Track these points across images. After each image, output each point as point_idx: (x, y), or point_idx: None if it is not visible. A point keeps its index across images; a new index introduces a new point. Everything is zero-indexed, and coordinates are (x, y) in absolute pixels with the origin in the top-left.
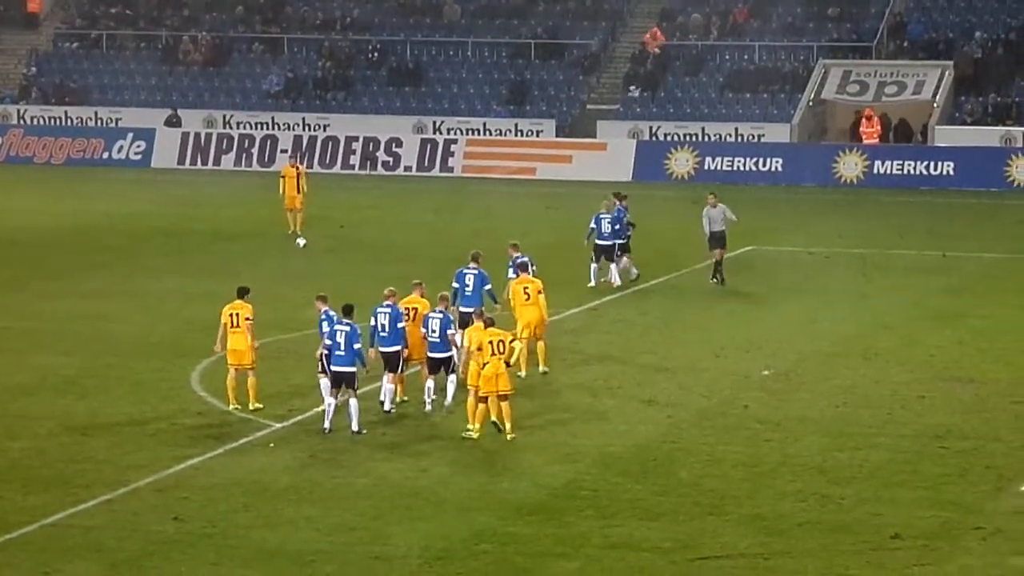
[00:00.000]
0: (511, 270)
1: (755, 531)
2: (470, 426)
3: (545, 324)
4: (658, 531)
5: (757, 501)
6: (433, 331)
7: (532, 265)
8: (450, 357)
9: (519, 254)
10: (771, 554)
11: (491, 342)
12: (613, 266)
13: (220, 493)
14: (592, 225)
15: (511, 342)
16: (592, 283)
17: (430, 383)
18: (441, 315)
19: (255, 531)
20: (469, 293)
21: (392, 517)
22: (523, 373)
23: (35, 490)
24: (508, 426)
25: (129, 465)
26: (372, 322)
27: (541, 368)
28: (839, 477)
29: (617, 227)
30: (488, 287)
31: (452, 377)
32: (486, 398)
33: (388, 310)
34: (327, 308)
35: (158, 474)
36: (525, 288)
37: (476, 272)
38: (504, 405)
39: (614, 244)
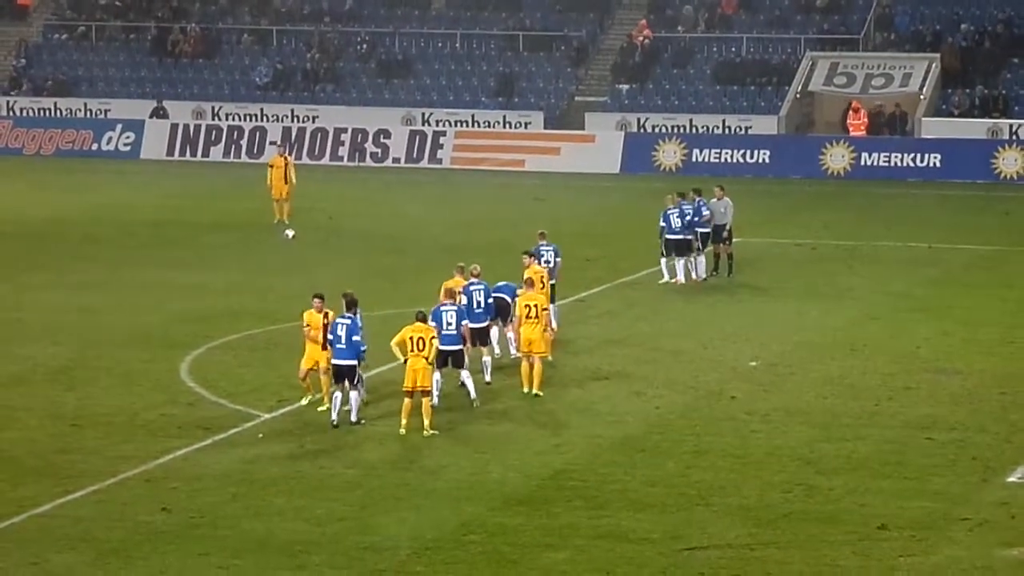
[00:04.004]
0: (539, 260)
1: (742, 522)
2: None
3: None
4: (646, 522)
5: (744, 492)
6: (448, 324)
7: (558, 257)
8: (461, 351)
9: (545, 242)
10: (758, 544)
11: (411, 338)
12: (696, 259)
13: (209, 484)
14: (662, 223)
15: (432, 339)
16: (666, 278)
17: (437, 375)
18: (455, 308)
19: (244, 521)
20: (501, 283)
21: (380, 507)
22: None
23: (24, 481)
24: (427, 423)
25: (118, 456)
26: (464, 300)
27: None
28: (826, 468)
29: (697, 219)
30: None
31: (465, 373)
32: (412, 392)
33: (481, 286)
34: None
35: (147, 465)
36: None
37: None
38: (425, 401)
39: (684, 238)
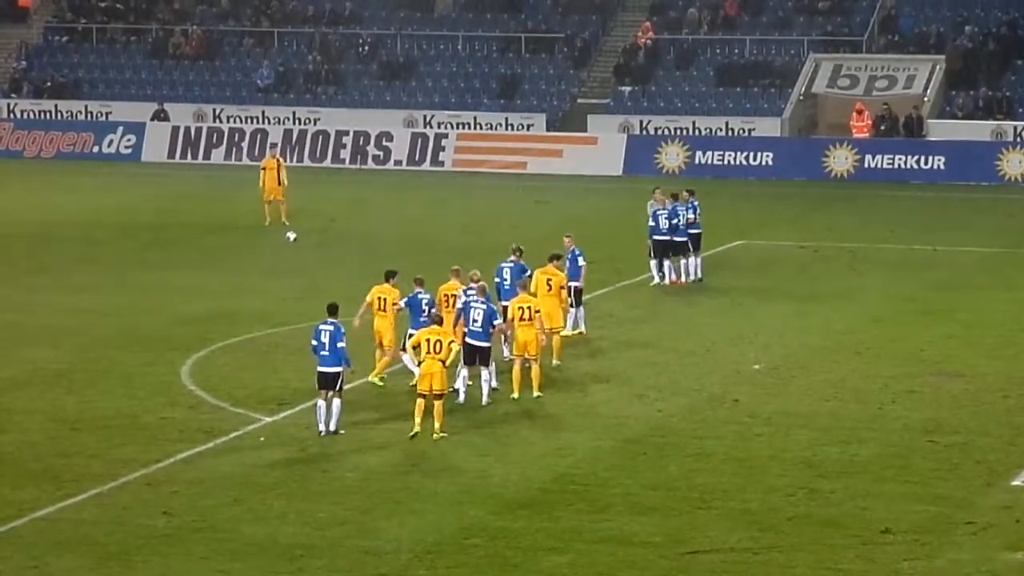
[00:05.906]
0: (568, 262)
1: (745, 525)
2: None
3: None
4: (648, 525)
5: (747, 495)
6: (475, 320)
7: (582, 257)
8: (488, 348)
9: (573, 246)
10: (761, 548)
11: (427, 340)
12: (687, 261)
13: (210, 487)
14: (651, 222)
15: (449, 343)
16: (656, 280)
17: (465, 372)
18: (484, 305)
19: (245, 525)
20: (508, 287)
21: (382, 511)
22: (557, 361)
23: (25, 484)
24: (438, 425)
25: (119, 459)
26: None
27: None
28: (829, 471)
29: (693, 218)
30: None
31: (485, 371)
32: (424, 395)
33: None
34: (420, 290)
35: (148, 468)
36: (548, 280)
37: (512, 265)
38: (438, 404)
39: (671, 239)
